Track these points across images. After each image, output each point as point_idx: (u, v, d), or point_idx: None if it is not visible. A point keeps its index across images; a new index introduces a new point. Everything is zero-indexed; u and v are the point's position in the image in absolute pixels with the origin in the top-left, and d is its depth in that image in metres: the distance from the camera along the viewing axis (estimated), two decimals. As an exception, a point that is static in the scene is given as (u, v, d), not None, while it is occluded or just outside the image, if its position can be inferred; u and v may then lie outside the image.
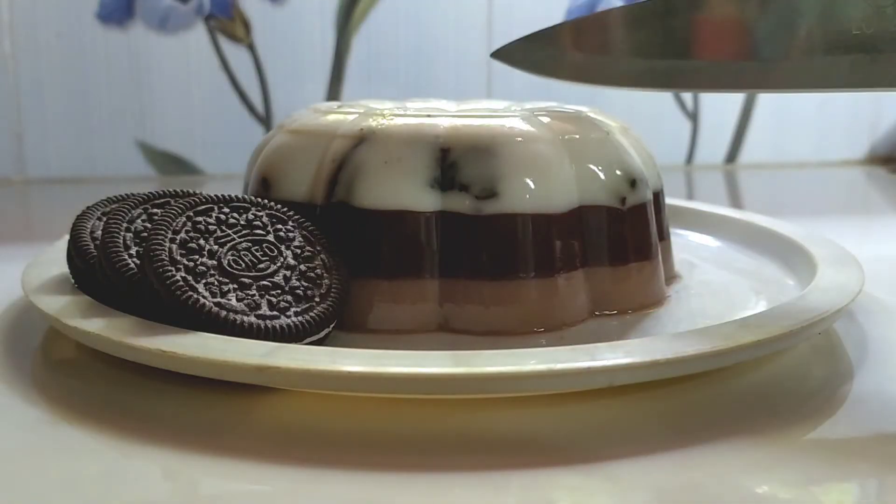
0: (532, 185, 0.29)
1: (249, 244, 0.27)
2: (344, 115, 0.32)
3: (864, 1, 0.25)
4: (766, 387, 0.25)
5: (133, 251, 0.27)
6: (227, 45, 0.63)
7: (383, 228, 0.29)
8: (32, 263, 0.31)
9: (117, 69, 0.62)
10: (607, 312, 0.30)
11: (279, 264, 0.27)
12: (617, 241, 0.30)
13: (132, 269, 0.26)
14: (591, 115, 0.33)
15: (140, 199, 0.29)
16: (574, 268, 0.29)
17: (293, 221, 0.28)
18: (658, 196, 0.33)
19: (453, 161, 0.29)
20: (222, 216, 0.27)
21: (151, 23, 0.62)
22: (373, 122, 0.30)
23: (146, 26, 0.62)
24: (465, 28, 0.66)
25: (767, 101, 0.71)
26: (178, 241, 0.26)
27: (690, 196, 0.61)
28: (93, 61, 0.62)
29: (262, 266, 0.26)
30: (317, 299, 0.26)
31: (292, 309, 0.26)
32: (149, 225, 0.27)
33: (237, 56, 0.64)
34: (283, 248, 0.27)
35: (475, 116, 0.31)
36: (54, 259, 0.31)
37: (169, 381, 0.24)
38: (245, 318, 0.25)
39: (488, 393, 0.23)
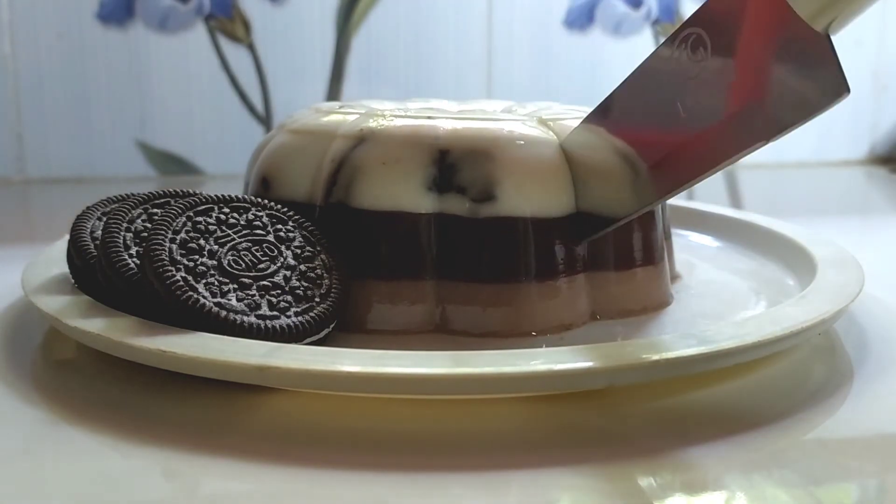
0: (529, 189, 0.28)
1: (249, 244, 0.27)
2: (344, 116, 0.32)
3: None
4: (767, 387, 0.25)
5: (133, 251, 0.26)
6: (227, 45, 0.63)
7: (380, 229, 0.28)
8: (32, 263, 0.31)
9: (117, 69, 0.62)
10: (610, 316, 0.30)
11: (279, 264, 0.27)
12: (620, 245, 0.30)
13: (132, 269, 0.26)
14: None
15: (140, 199, 0.29)
16: (574, 272, 0.29)
17: (293, 222, 0.28)
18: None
19: (451, 163, 0.29)
20: (222, 216, 0.27)
21: (151, 23, 0.62)
22: (372, 123, 0.30)
23: (146, 26, 0.62)
24: (465, 28, 0.66)
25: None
26: (178, 241, 0.26)
27: (691, 196, 0.61)
28: (93, 61, 0.62)
29: (262, 266, 0.26)
30: (317, 299, 0.26)
31: (292, 309, 0.26)
32: (149, 225, 0.27)
33: (237, 56, 0.63)
34: (283, 248, 0.27)
35: (475, 118, 0.31)
36: (54, 259, 0.31)
37: (169, 381, 0.24)
38: (245, 318, 0.25)
39: (488, 393, 0.23)
